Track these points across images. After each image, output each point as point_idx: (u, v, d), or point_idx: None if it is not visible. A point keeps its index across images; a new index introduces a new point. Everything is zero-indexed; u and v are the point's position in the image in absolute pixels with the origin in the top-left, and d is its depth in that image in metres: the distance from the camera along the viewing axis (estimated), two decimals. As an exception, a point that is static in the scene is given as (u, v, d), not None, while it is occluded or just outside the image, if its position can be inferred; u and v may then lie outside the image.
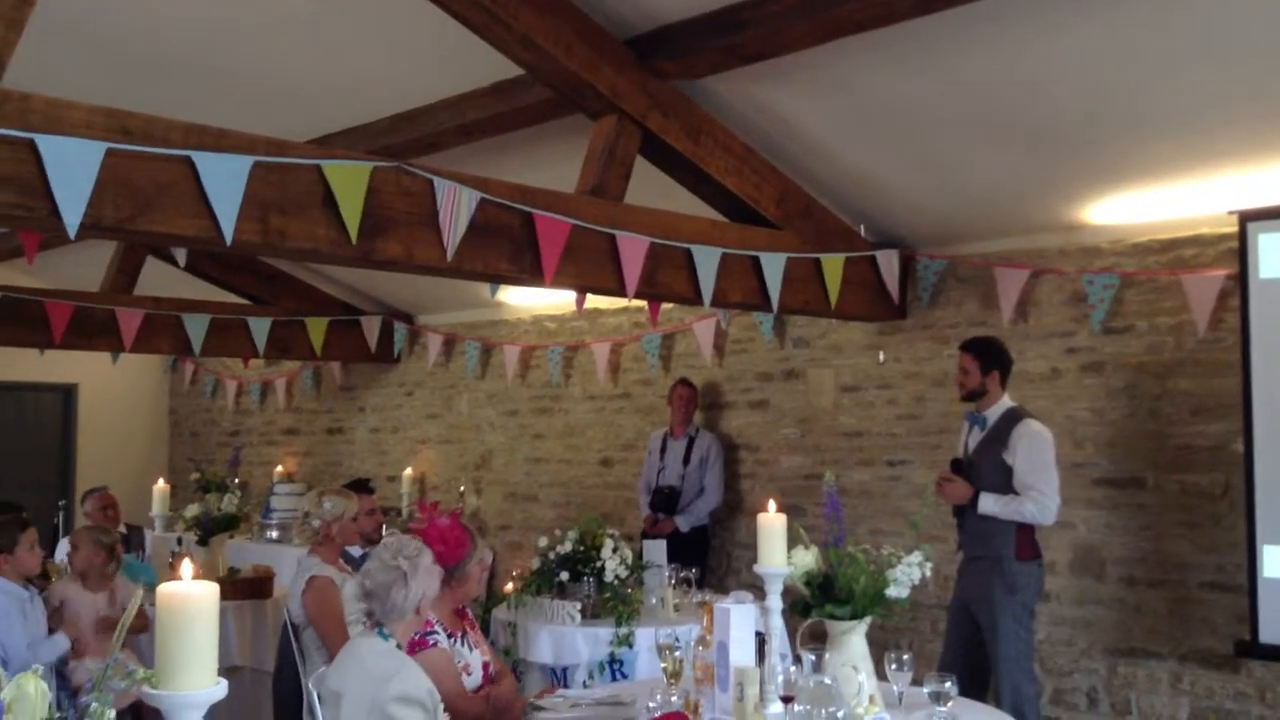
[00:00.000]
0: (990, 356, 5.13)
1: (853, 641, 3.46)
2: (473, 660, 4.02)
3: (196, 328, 8.27)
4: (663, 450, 7.25)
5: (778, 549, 3.42)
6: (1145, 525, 5.51)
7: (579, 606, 5.16)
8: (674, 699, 3.36)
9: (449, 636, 3.93)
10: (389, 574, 3.40)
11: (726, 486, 7.24)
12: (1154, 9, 4.15)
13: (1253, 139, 4.72)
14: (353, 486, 6.07)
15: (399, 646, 3.41)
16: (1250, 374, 4.83)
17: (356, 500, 5.16)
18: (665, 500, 7.02)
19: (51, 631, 5.00)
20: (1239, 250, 4.90)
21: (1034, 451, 4.94)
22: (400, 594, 3.39)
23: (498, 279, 4.95)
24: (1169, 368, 5.46)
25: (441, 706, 3.30)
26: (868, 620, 3.49)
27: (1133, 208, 5.43)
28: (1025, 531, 4.97)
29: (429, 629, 3.83)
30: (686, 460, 7.10)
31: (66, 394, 11.64)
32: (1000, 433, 5.03)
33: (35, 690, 1.94)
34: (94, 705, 1.95)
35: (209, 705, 1.81)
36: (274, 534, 8.88)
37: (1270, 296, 4.80)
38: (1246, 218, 4.88)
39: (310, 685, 3.57)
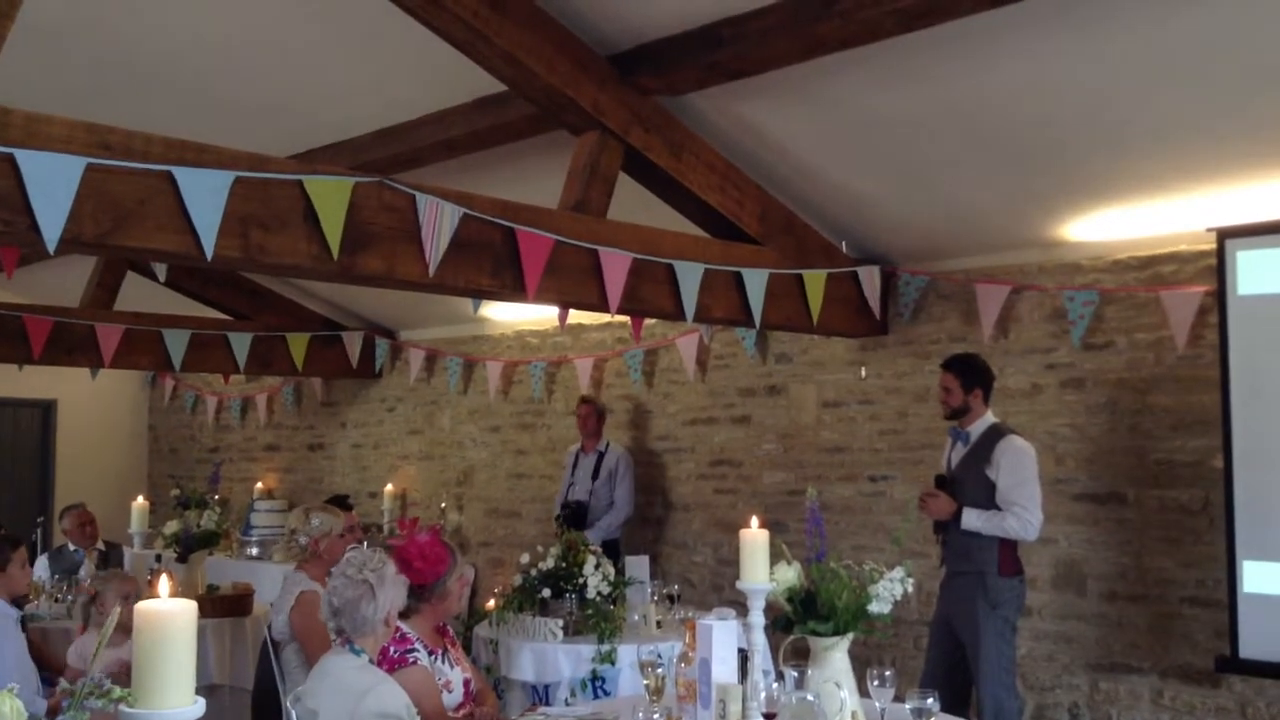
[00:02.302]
0: (972, 374, 5.14)
1: (835, 658, 3.46)
2: (454, 677, 4.00)
3: (177, 343, 8.23)
4: (575, 466, 7.40)
5: (760, 565, 3.41)
6: (1126, 541, 5.53)
7: (561, 623, 5.15)
8: (656, 716, 3.34)
9: (429, 654, 3.91)
10: (356, 589, 3.39)
11: (711, 502, 7.24)
12: (1134, 28, 4.18)
13: (1231, 156, 4.76)
14: (332, 503, 6.04)
15: (371, 661, 3.39)
16: (1229, 390, 4.86)
17: (344, 516, 5.15)
18: (573, 515, 7.12)
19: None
20: (1217, 267, 4.93)
21: (1017, 467, 4.95)
22: (369, 608, 3.37)
23: (480, 294, 4.94)
24: (1149, 384, 5.49)
25: (419, 721, 3.28)
26: (850, 636, 3.49)
27: (1112, 225, 5.47)
28: (1008, 547, 4.98)
29: (409, 646, 3.80)
30: (595, 475, 7.25)
31: (45, 410, 11.56)
32: (983, 448, 5.04)
33: (11, 710, 1.92)
34: (69, 725, 1.93)
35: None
36: (254, 551, 8.83)
37: (1249, 313, 4.83)
38: (1225, 235, 4.91)
39: (288, 704, 3.54)
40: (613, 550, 7.03)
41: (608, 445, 7.40)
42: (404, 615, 3.81)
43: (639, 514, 7.46)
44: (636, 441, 7.67)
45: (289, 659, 4.63)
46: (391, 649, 3.72)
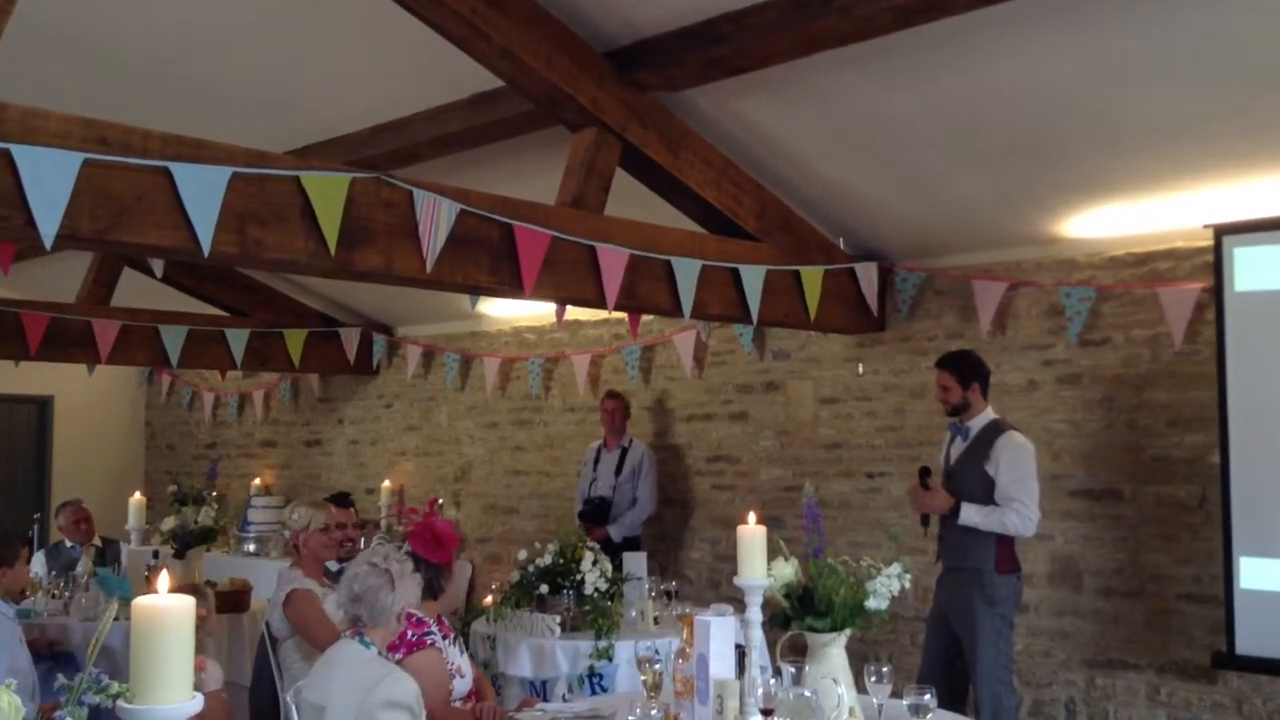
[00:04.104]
0: (968, 370, 5.14)
1: (832, 654, 3.46)
2: (464, 664, 4.03)
3: (173, 339, 8.23)
4: (596, 461, 7.33)
5: (757, 561, 3.42)
6: (1122, 537, 5.54)
7: (558, 619, 5.15)
8: (654, 712, 3.35)
9: (444, 638, 3.93)
10: (379, 577, 3.42)
11: (708, 499, 7.24)
12: (1130, 24, 4.18)
13: (1228, 153, 4.76)
14: (333, 500, 6.06)
15: (380, 654, 3.40)
16: (1226, 386, 4.86)
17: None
18: (596, 510, 7.06)
19: None
20: (1214, 264, 4.94)
21: (1016, 463, 4.95)
22: (388, 598, 3.40)
23: (477, 290, 4.94)
24: (1145, 380, 5.49)
25: (425, 714, 3.29)
26: (847, 632, 3.49)
27: (1109, 221, 5.47)
28: (1006, 544, 4.98)
29: (426, 629, 3.83)
30: (619, 471, 7.17)
31: (42, 406, 11.55)
32: (982, 444, 5.04)
33: (8, 705, 1.92)
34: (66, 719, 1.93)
35: (185, 719, 1.80)
36: (251, 547, 8.83)
37: (1245, 309, 4.84)
38: (1222, 231, 4.92)
39: (288, 698, 3.55)
40: (634, 548, 7.02)
41: (631, 441, 7.29)
42: (431, 599, 3.88)
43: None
44: (636, 437, 7.66)
45: (286, 654, 4.64)
46: (409, 632, 3.74)
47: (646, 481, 7.15)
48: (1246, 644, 4.81)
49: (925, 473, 5.16)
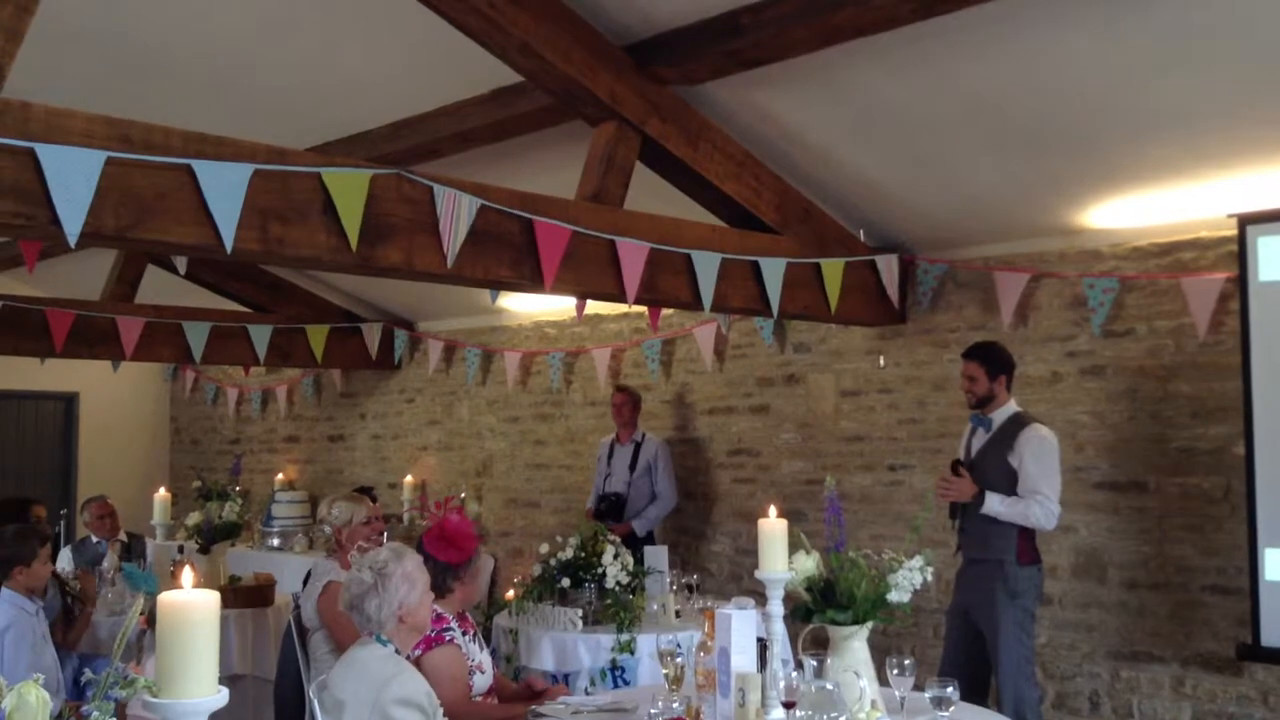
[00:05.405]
0: (996, 362, 5.12)
1: (854, 647, 3.46)
2: (485, 660, 4.04)
3: (197, 336, 8.27)
4: (609, 457, 7.28)
5: (779, 554, 3.42)
6: (1146, 529, 5.51)
7: (580, 613, 5.16)
8: (676, 705, 3.35)
9: (464, 634, 3.95)
10: (360, 585, 3.43)
11: (729, 492, 7.24)
12: (1153, 13, 4.15)
13: (1251, 142, 4.72)
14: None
15: (398, 652, 3.42)
16: (1250, 377, 4.83)
17: (365, 504, 5.18)
18: (611, 506, 7.02)
19: None
20: (1238, 253, 4.90)
21: (1040, 456, 4.93)
22: (373, 604, 3.39)
23: (498, 285, 4.96)
24: (1170, 371, 5.46)
25: (440, 711, 3.30)
26: (869, 625, 3.49)
27: (1132, 211, 5.44)
28: (1027, 536, 4.97)
29: (445, 625, 3.85)
30: (633, 467, 7.13)
31: (67, 403, 11.65)
32: (1006, 436, 5.02)
33: (36, 699, 1.94)
34: (95, 714, 1.95)
35: (209, 713, 1.81)
36: (275, 542, 8.89)
37: (1270, 299, 4.80)
38: (1245, 221, 4.88)
39: (311, 692, 3.57)
40: (650, 542, 7.02)
41: (644, 435, 7.25)
42: (439, 597, 3.88)
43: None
44: (653, 431, 7.67)
45: (316, 646, 4.67)
46: (429, 628, 3.75)
47: (665, 475, 7.11)
48: (1272, 636, 4.78)
49: (957, 465, 5.15)
